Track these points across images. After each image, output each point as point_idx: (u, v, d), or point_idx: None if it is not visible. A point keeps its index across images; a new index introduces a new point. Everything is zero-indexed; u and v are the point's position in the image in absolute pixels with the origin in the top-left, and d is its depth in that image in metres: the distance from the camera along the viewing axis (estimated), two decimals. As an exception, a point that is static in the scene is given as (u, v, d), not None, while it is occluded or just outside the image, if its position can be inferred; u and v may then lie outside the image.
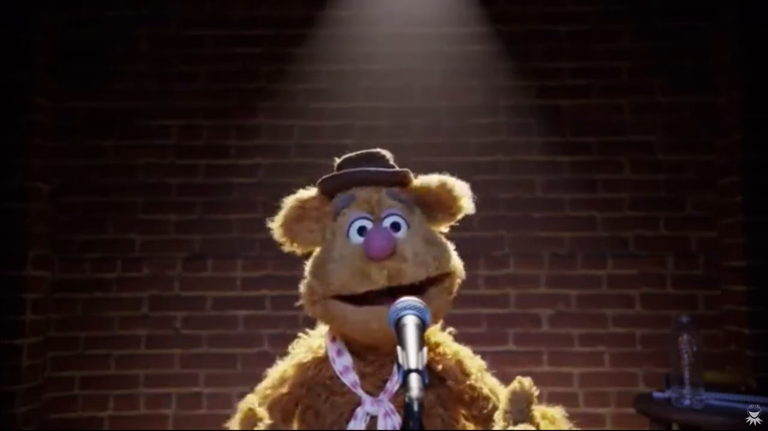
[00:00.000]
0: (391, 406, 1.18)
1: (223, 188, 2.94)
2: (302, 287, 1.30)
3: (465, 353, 1.32)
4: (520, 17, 2.99)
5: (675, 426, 2.21)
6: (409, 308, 0.96)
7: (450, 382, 1.26)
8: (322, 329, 1.36)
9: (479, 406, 1.25)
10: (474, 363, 1.31)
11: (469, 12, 2.98)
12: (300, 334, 1.42)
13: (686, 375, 2.06)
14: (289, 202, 1.31)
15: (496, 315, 2.84)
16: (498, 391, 1.28)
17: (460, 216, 1.34)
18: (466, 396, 1.25)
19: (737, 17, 2.78)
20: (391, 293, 1.18)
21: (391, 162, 1.35)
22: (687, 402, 2.04)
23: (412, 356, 0.85)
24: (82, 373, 2.82)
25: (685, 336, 2.07)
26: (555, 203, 2.91)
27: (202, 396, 2.81)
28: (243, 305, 2.87)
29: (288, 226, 1.30)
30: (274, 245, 3.09)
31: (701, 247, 2.86)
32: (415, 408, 0.77)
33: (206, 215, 2.92)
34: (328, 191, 1.31)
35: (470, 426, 1.28)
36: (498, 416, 1.15)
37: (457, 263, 1.30)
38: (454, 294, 1.29)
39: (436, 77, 2.98)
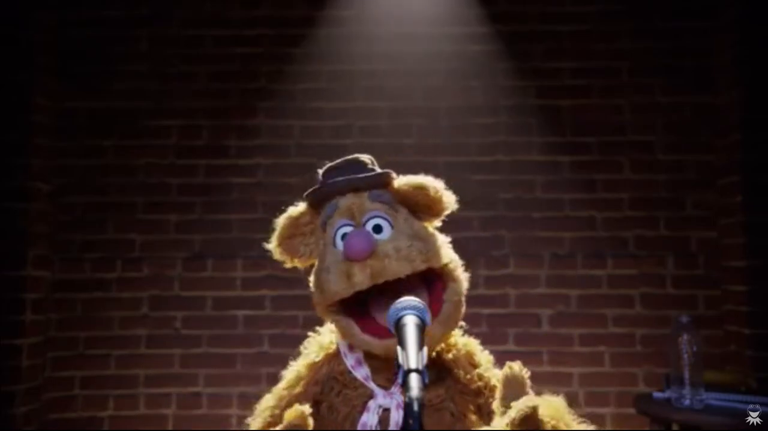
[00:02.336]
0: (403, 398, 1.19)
1: (223, 188, 2.94)
2: (312, 298, 1.32)
3: (474, 346, 1.35)
4: (520, 17, 2.99)
5: (675, 426, 2.21)
6: (409, 308, 0.96)
7: (459, 372, 1.27)
8: (331, 326, 1.37)
9: (485, 396, 1.25)
10: (483, 355, 1.33)
11: (469, 12, 2.98)
12: (310, 333, 1.42)
13: (686, 375, 2.06)
14: (280, 221, 1.33)
15: (496, 315, 2.84)
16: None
17: (445, 213, 1.33)
18: (474, 386, 1.26)
19: (737, 17, 2.78)
20: (384, 293, 1.19)
21: (372, 166, 1.35)
22: (687, 402, 2.05)
23: (412, 356, 0.85)
24: (82, 373, 2.82)
25: (685, 336, 2.08)
26: (555, 203, 2.91)
27: (202, 396, 2.81)
28: (243, 305, 2.87)
29: (284, 244, 1.33)
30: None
31: (701, 247, 2.86)
32: (415, 408, 0.77)
33: (206, 215, 2.92)
34: (316, 204, 1.33)
35: (476, 420, 1.28)
36: (495, 405, 1.15)
37: (451, 255, 1.29)
38: (465, 288, 1.29)
39: (436, 77, 2.98)
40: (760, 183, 2.68)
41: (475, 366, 1.29)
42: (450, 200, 1.30)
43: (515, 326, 2.84)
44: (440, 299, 1.24)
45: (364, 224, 1.26)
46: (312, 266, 1.35)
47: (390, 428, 1.18)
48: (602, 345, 2.82)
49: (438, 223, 1.36)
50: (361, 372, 1.24)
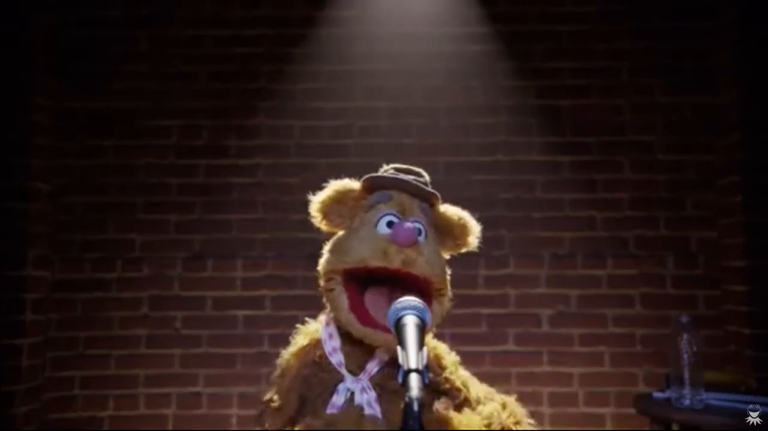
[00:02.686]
0: (368, 384, 1.32)
1: (223, 188, 2.94)
2: (320, 263, 1.43)
3: (442, 349, 1.47)
4: (520, 17, 2.99)
5: (675, 426, 2.21)
6: (409, 308, 0.96)
7: (429, 374, 1.36)
8: (320, 318, 1.49)
9: (452, 396, 1.38)
10: (450, 358, 1.46)
11: (469, 12, 2.98)
12: (298, 325, 1.51)
13: (686, 375, 2.05)
14: (334, 185, 1.45)
15: (496, 315, 2.84)
16: (469, 384, 1.43)
17: (462, 250, 1.51)
18: (442, 387, 1.38)
19: (737, 17, 2.78)
20: (393, 286, 1.32)
21: (429, 184, 1.50)
22: (687, 402, 2.04)
23: (412, 356, 0.85)
24: (82, 373, 2.82)
25: (685, 336, 2.07)
26: (555, 203, 2.91)
27: (202, 396, 2.81)
28: (243, 305, 2.87)
29: (326, 204, 1.44)
30: (274, 245, 3.11)
31: (701, 247, 2.86)
32: (415, 407, 0.77)
33: (206, 215, 2.92)
34: (369, 188, 1.46)
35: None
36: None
37: (449, 286, 1.44)
38: (443, 315, 1.41)
39: (436, 77, 2.98)
40: (760, 183, 2.68)
41: (443, 368, 1.41)
42: (474, 242, 1.49)
43: (515, 326, 2.84)
44: None
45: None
46: (330, 234, 1.48)
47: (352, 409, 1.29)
48: (602, 345, 2.82)
49: (447, 256, 1.48)
50: (336, 358, 1.36)
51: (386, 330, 1.23)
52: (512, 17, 2.98)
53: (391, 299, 1.27)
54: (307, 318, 1.50)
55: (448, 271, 1.43)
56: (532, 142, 2.94)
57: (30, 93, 2.77)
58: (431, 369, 1.37)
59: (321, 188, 1.45)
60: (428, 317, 0.98)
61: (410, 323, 0.93)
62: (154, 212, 2.92)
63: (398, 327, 0.94)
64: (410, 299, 0.99)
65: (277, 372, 1.46)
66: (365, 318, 1.32)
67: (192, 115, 2.97)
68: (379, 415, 1.27)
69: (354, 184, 1.46)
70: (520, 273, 2.87)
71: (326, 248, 1.44)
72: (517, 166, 2.93)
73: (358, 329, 1.32)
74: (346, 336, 1.37)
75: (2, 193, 2.69)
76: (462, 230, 1.47)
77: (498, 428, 1.32)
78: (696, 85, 2.93)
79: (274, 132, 2.97)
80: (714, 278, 2.83)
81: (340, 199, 1.44)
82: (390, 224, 1.37)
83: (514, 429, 1.34)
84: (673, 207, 2.88)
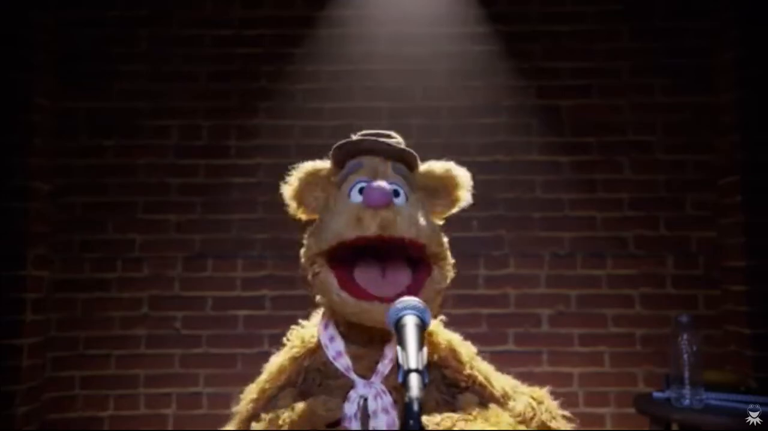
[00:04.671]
0: (383, 387, 1.19)
1: (223, 188, 2.94)
2: (302, 252, 1.32)
3: (457, 340, 1.35)
4: (520, 17, 2.99)
5: (675, 426, 2.21)
6: (409, 308, 0.96)
7: (447, 371, 1.28)
8: (315, 319, 1.38)
9: (476, 392, 1.27)
10: (466, 350, 1.34)
11: (469, 12, 2.98)
12: (293, 327, 1.41)
13: (686, 374, 2.05)
14: (302, 167, 1.38)
15: (496, 315, 2.84)
16: (491, 376, 1.32)
17: (458, 206, 1.39)
18: (462, 383, 1.28)
19: (737, 17, 2.78)
20: (383, 259, 1.21)
21: (403, 145, 1.40)
22: (687, 401, 2.04)
23: (411, 356, 0.85)
24: (82, 373, 2.82)
25: (685, 336, 2.07)
26: (555, 203, 2.91)
27: (202, 396, 2.81)
28: (243, 305, 2.87)
29: (298, 189, 1.36)
30: (274, 245, 3.11)
31: (701, 247, 2.86)
32: (415, 408, 0.77)
33: (206, 215, 2.92)
34: (340, 162, 1.35)
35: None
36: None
37: (446, 247, 1.32)
38: (447, 282, 1.31)
39: (437, 77, 2.98)
40: (760, 183, 2.68)
41: (461, 362, 1.30)
42: (468, 196, 1.38)
43: (515, 326, 2.84)
44: (422, 282, 1.24)
45: None
46: (309, 222, 1.38)
47: (367, 416, 1.17)
48: (602, 345, 2.82)
49: (440, 221, 1.39)
50: (342, 363, 1.23)
51: (383, 300, 1.15)
52: (512, 17, 2.99)
53: (384, 272, 1.22)
54: (300, 320, 1.42)
55: (445, 238, 1.33)
56: (532, 142, 2.95)
57: (30, 93, 2.77)
58: (448, 365, 1.28)
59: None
60: (428, 317, 0.98)
61: (410, 323, 0.93)
62: (154, 212, 2.92)
63: (398, 327, 0.94)
64: (410, 299, 0.99)
65: (265, 376, 1.34)
66: (358, 292, 1.19)
67: (192, 115, 2.97)
68: (396, 420, 1.16)
69: (323, 163, 1.37)
70: (520, 273, 2.88)
71: (306, 235, 1.34)
72: (517, 166, 2.93)
73: (352, 305, 1.19)
74: (349, 337, 1.25)
75: (2, 193, 2.69)
76: (452, 181, 1.36)
77: (536, 425, 1.21)
78: (696, 85, 2.93)
79: (274, 132, 2.97)
80: (714, 278, 2.83)
81: (311, 180, 1.36)
82: (362, 189, 1.25)
83: (551, 425, 1.23)
84: (673, 207, 2.88)
